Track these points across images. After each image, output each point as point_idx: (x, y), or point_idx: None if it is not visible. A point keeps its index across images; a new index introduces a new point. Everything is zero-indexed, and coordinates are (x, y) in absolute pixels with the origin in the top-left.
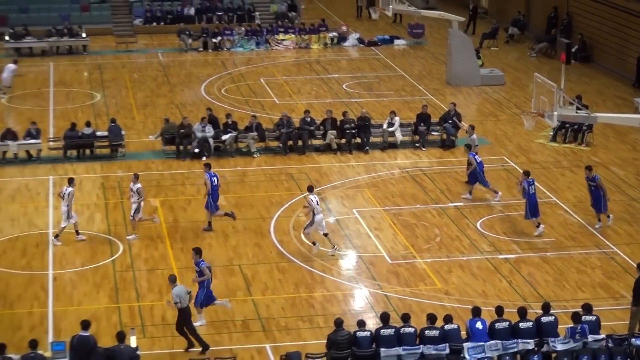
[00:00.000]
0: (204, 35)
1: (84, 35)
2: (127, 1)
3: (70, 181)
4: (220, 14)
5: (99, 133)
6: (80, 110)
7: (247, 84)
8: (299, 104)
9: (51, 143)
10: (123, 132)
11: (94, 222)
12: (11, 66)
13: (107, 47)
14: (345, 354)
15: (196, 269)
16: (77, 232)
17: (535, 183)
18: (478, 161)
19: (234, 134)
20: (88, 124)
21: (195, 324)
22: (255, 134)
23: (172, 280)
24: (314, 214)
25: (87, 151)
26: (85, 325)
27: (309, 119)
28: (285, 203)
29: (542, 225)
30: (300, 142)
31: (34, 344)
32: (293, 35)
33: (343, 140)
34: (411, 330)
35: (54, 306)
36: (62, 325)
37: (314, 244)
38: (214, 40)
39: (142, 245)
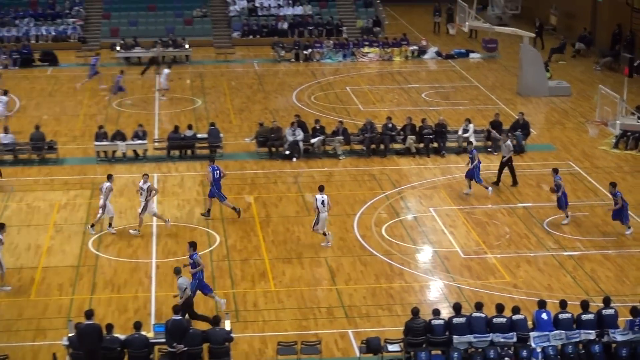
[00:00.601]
0: (296, 47)
1: (187, 46)
2: (226, 16)
3: (109, 177)
4: (311, 28)
5: (199, 135)
6: (183, 115)
7: (334, 92)
8: (382, 111)
9: (156, 144)
10: (221, 135)
11: (194, 216)
12: (166, 70)
13: (207, 57)
14: (420, 340)
15: (190, 261)
16: (110, 225)
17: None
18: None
19: (322, 137)
20: (190, 127)
21: (223, 308)
22: (341, 137)
23: (177, 272)
24: (319, 212)
25: (189, 151)
26: (176, 310)
27: (390, 125)
28: (368, 201)
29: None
30: (382, 146)
31: (138, 326)
32: (377, 48)
33: (421, 145)
34: (482, 315)
35: (156, 291)
36: (163, 309)
37: (325, 234)
38: (305, 52)
39: (237, 237)
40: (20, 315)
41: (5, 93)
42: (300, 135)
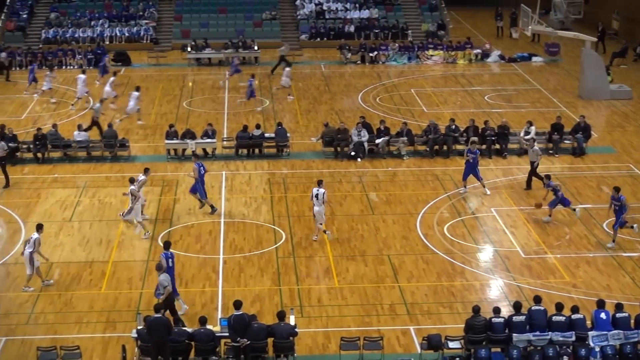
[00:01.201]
0: (362, 50)
1: (256, 48)
2: (295, 18)
3: (146, 171)
4: (377, 31)
5: (267, 135)
6: (251, 114)
7: (399, 94)
8: (445, 112)
9: (225, 142)
10: (288, 135)
11: (261, 213)
12: (288, 69)
13: (276, 59)
14: (481, 338)
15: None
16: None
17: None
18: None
19: (386, 138)
20: (258, 127)
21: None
22: (405, 138)
23: (159, 268)
24: (313, 205)
25: (256, 150)
26: (238, 305)
27: (453, 127)
28: (430, 201)
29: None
30: (445, 147)
31: (203, 321)
32: (441, 52)
33: (484, 146)
34: (541, 308)
35: (223, 286)
36: (230, 303)
37: (320, 228)
38: (371, 54)
39: (302, 234)
40: (91, 308)
41: (138, 89)
42: (365, 135)
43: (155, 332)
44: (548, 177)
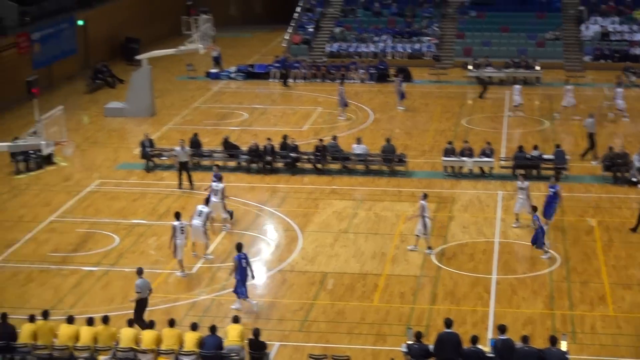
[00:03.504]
0: None
1: (537, 68)
2: (578, 39)
3: (424, 197)
4: None
5: (545, 156)
6: (530, 135)
7: None
8: None
9: (502, 162)
10: (567, 157)
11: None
12: (569, 87)
13: (557, 80)
14: None
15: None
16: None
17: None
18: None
19: None
20: (535, 147)
21: (232, 307)
22: None
23: (139, 272)
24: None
25: (534, 171)
26: (503, 329)
27: None
28: None
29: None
30: None
31: (474, 340)
32: None
33: None
34: None
35: (495, 307)
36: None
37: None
38: None
39: (577, 259)
40: (363, 319)
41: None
42: None
43: (446, 347)
44: (535, 208)
